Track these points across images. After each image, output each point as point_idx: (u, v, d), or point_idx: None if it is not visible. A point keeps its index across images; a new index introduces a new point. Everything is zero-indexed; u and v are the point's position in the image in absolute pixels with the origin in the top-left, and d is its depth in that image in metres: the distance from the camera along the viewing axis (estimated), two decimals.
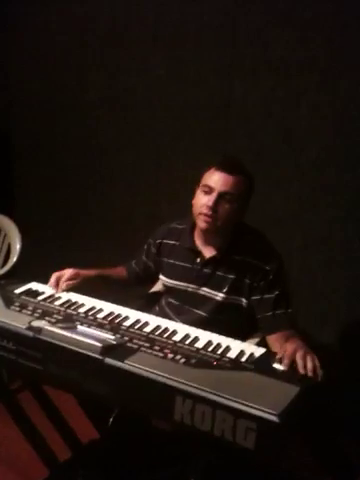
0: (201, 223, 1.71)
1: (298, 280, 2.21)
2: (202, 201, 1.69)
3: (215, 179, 1.68)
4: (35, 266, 2.17)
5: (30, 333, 1.46)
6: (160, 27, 2.54)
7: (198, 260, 1.80)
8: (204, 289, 1.79)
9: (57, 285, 1.80)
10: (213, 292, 1.77)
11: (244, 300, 1.75)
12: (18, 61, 3.11)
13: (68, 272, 1.82)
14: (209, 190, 1.68)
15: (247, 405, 1.17)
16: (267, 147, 2.33)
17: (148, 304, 1.98)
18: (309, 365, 1.36)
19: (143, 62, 2.64)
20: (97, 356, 1.35)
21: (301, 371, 1.35)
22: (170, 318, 1.80)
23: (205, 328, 1.60)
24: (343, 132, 2.13)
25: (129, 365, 1.32)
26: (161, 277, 1.91)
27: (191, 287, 1.81)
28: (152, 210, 2.68)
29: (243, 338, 1.64)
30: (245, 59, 2.32)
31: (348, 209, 2.17)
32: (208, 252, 1.79)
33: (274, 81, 2.26)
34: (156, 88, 2.62)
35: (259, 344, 1.62)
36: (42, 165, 3.17)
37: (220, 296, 1.76)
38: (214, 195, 1.67)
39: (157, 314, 1.81)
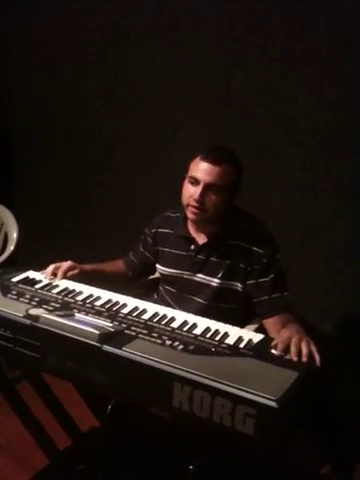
0: (189, 214, 1.71)
1: (298, 272, 2.20)
2: (189, 192, 1.68)
3: (201, 170, 1.65)
4: (33, 256, 2.16)
5: (27, 321, 1.45)
6: (159, 18, 2.51)
7: (192, 247, 1.79)
8: (199, 276, 1.78)
9: (53, 275, 1.79)
10: (208, 278, 1.76)
11: (240, 285, 1.74)
12: (17, 55, 3.09)
13: (66, 264, 1.82)
14: (195, 181, 1.67)
15: (246, 391, 1.17)
16: (267, 138, 2.31)
17: (146, 292, 1.98)
18: (304, 350, 1.35)
19: (143, 54, 2.61)
20: (95, 343, 1.34)
21: (294, 358, 1.34)
22: (169, 306, 1.79)
23: (204, 315, 1.60)
24: (344, 123, 2.11)
25: (127, 352, 1.32)
26: (157, 266, 1.91)
27: (186, 274, 1.81)
28: (152, 202, 2.66)
29: (242, 324, 1.64)
30: (245, 50, 2.29)
31: (349, 200, 2.15)
32: (201, 239, 1.78)
33: (274, 72, 2.23)
34: (155, 80, 2.59)
35: (258, 330, 1.61)
36: (41, 157, 3.16)
37: (215, 282, 1.75)
38: (200, 187, 1.65)
39: (156, 302, 1.81)
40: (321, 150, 2.18)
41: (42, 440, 1.82)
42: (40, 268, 1.85)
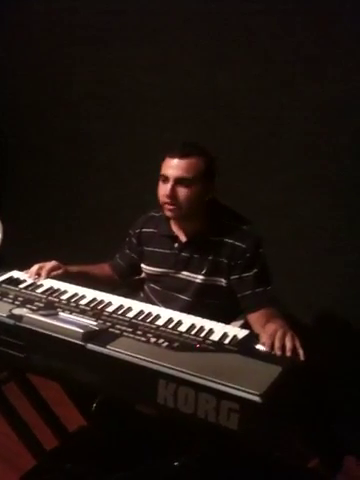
0: (167, 212, 1.72)
1: (287, 269, 2.21)
2: (162, 191, 1.70)
3: (168, 166, 1.68)
4: (18, 256, 2.15)
5: (11, 321, 1.44)
6: (144, 19, 2.51)
7: (176, 245, 1.80)
8: (184, 273, 1.79)
9: (37, 275, 1.78)
10: (193, 275, 1.77)
11: (224, 280, 1.74)
12: (3, 57, 3.06)
13: (50, 264, 1.82)
14: (166, 179, 1.68)
15: (229, 386, 1.17)
16: (253, 136, 2.31)
17: (132, 292, 1.97)
18: (288, 345, 1.36)
19: (126, 53, 2.60)
20: (79, 342, 1.34)
21: (278, 352, 1.35)
22: (155, 304, 1.79)
23: (189, 312, 1.60)
24: (329, 121, 2.11)
25: (111, 350, 1.31)
26: (143, 266, 1.91)
27: (171, 272, 1.81)
28: (139, 202, 2.65)
29: (228, 320, 1.64)
30: (229, 50, 2.29)
31: (334, 197, 2.16)
32: (184, 237, 1.79)
33: (258, 71, 2.23)
34: (141, 81, 2.58)
35: (243, 326, 1.61)
36: (26, 157, 3.13)
37: (200, 278, 1.75)
38: (170, 183, 1.67)
39: (142, 301, 1.80)
40: (307, 149, 2.19)
41: (29, 441, 1.80)
42: (25, 268, 1.84)
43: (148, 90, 2.57)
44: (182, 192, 1.67)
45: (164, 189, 1.69)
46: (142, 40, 2.54)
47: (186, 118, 2.47)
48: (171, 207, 1.69)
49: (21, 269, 1.84)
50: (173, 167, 1.67)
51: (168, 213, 1.72)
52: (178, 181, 1.66)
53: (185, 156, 1.67)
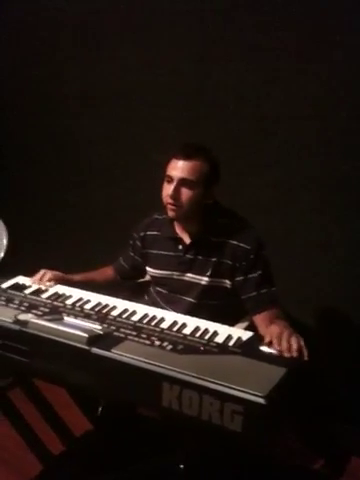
0: (169, 212, 1.73)
1: (280, 266, 2.21)
2: (166, 191, 1.71)
3: (174, 168, 1.69)
4: (23, 262, 2.16)
5: (16, 327, 1.45)
6: (133, 16, 2.51)
7: (180, 247, 1.81)
8: (188, 275, 1.79)
9: (41, 280, 1.81)
10: (197, 277, 1.77)
11: (228, 282, 1.75)
12: None
13: (53, 273, 1.84)
14: (170, 179, 1.70)
15: (233, 388, 1.17)
16: (242, 133, 2.30)
17: (136, 294, 1.98)
18: (294, 346, 1.36)
19: (115, 52, 2.60)
20: (84, 346, 1.35)
21: (286, 354, 1.35)
22: (160, 307, 1.80)
23: (194, 314, 1.61)
24: (318, 116, 2.11)
25: (116, 354, 1.32)
26: (147, 268, 1.91)
27: (176, 274, 1.82)
28: (132, 201, 2.66)
29: (232, 321, 1.64)
30: (216, 46, 2.29)
31: (325, 194, 2.16)
32: (188, 238, 1.80)
33: (246, 67, 2.23)
34: (129, 78, 2.58)
35: (248, 328, 1.61)
36: (22, 161, 3.13)
37: (204, 280, 1.76)
38: (174, 184, 1.68)
39: (147, 303, 1.81)
40: (296, 145, 2.18)
41: (35, 445, 1.81)
42: (30, 274, 1.85)
43: (136, 89, 2.57)
44: (184, 193, 1.69)
45: (168, 189, 1.70)
46: (129, 39, 2.54)
47: (175, 116, 2.46)
48: (174, 207, 1.70)
49: (26, 274, 1.85)
50: (178, 168, 1.68)
51: (170, 213, 1.73)
52: (181, 182, 1.68)
53: (190, 158, 1.68)
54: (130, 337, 1.41)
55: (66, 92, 2.83)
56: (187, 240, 1.80)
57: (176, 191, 1.68)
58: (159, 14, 2.43)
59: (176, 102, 2.45)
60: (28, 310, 1.56)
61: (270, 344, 1.39)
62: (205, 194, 1.72)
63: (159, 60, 2.48)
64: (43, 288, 1.77)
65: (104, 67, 2.67)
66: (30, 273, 1.86)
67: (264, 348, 1.38)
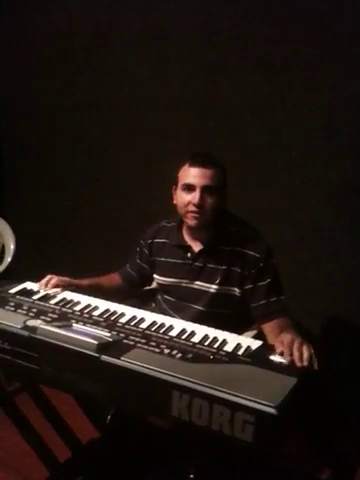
0: (191, 221, 1.72)
1: (289, 275, 2.21)
2: (186, 199, 1.70)
3: (193, 176, 1.68)
4: (31, 267, 2.16)
5: (25, 333, 1.45)
6: (144, 27, 2.54)
7: (188, 255, 1.81)
8: (197, 283, 1.79)
9: (47, 285, 1.80)
10: (206, 285, 1.77)
11: (237, 290, 1.75)
12: (3, 65, 3.10)
13: (59, 278, 1.83)
14: (190, 188, 1.69)
15: (244, 398, 1.16)
16: (254, 144, 2.32)
17: (144, 301, 1.97)
18: (305, 355, 1.35)
19: (128, 63, 2.63)
20: (93, 354, 1.34)
21: (298, 363, 1.34)
22: (168, 314, 1.79)
23: (203, 322, 1.60)
24: (329, 127, 2.12)
25: (125, 362, 1.31)
26: (155, 276, 1.91)
27: (184, 282, 1.81)
28: (142, 210, 2.67)
29: (240, 330, 1.63)
30: (229, 57, 2.31)
31: (336, 204, 2.17)
32: (197, 246, 1.80)
33: (259, 77, 2.25)
34: (142, 89, 2.61)
35: (256, 336, 1.61)
36: (32, 167, 3.16)
37: (213, 288, 1.76)
38: (198, 191, 1.68)
39: (154, 311, 1.80)
40: (308, 154, 2.20)
41: (42, 452, 1.80)
42: (38, 279, 1.85)
43: (148, 99, 2.60)
44: (208, 200, 1.69)
45: (190, 197, 1.69)
46: (142, 49, 2.57)
47: (187, 125, 2.49)
48: (197, 215, 1.70)
49: (34, 280, 1.85)
50: (199, 176, 1.68)
51: (193, 221, 1.72)
52: (204, 189, 1.68)
53: (208, 165, 1.68)
54: (139, 345, 1.40)
55: (78, 101, 2.87)
56: (196, 248, 1.80)
57: (201, 199, 1.67)
58: (171, 26, 2.45)
59: (187, 113, 2.48)
60: (37, 316, 1.55)
61: (282, 354, 1.38)
62: (223, 200, 1.74)
63: (169, 70, 2.50)
64: (51, 294, 1.77)
65: (116, 77, 2.69)
66: (38, 278, 1.87)
67: (274, 357, 1.38)
